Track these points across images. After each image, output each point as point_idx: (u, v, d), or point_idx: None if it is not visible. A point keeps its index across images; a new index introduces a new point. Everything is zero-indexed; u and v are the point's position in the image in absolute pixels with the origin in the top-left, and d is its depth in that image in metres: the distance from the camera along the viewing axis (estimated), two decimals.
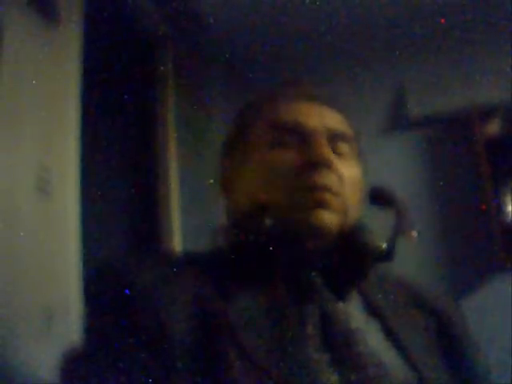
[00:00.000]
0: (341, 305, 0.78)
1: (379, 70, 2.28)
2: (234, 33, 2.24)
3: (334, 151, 0.82)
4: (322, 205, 0.78)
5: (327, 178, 0.79)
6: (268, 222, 0.77)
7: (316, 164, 0.79)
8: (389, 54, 2.25)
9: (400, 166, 2.21)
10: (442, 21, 2.07)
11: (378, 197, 0.84)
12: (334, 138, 0.83)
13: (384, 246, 0.80)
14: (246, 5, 2.14)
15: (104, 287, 0.76)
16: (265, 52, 2.23)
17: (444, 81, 2.20)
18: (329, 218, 0.78)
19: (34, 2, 1.21)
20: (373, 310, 0.81)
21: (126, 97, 1.72)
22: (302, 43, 2.20)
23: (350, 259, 0.79)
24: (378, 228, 0.82)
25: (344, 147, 0.84)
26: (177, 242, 1.95)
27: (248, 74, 2.19)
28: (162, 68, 2.05)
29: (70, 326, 1.13)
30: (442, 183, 2.17)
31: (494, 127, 2.15)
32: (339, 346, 0.73)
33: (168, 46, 2.09)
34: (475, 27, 2.10)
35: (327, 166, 0.79)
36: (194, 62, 2.21)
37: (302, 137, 0.82)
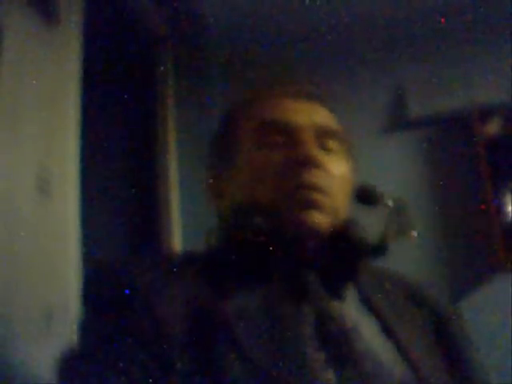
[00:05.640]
0: (336, 303, 0.78)
1: (379, 69, 2.28)
2: (234, 33, 2.23)
3: (323, 148, 0.82)
4: (311, 205, 0.78)
5: (316, 177, 0.78)
6: (258, 222, 0.76)
7: (304, 162, 0.78)
8: (389, 54, 2.25)
9: (400, 166, 2.21)
10: (442, 21, 2.07)
11: (364, 196, 0.83)
12: (322, 134, 0.83)
13: (376, 241, 0.80)
14: (246, 5, 2.14)
15: (103, 287, 0.76)
16: (265, 52, 2.23)
17: (444, 81, 2.20)
18: (319, 218, 0.77)
19: (34, 2, 1.21)
20: (370, 308, 0.81)
21: (125, 97, 1.72)
22: (302, 43, 2.20)
23: (342, 256, 0.79)
24: (370, 222, 0.81)
25: (333, 144, 0.83)
26: (177, 242, 1.95)
27: (248, 74, 2.19)
28: (161, 68, 2.05)
29: (69, 325, 1.12)
30: (442, 183, 2.17)
31: (494, 127, 2.15)
32: (336, 344, 0.73)
33: (168, 46, 2.09)
34: (475, 27, 2.10)
35: (315, 164, 0.78)
36: (194, 61, 2.21)
37: (289, 135, 0.81)
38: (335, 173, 0.81)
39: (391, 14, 2.16)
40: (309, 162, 0.78)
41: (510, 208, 2.10)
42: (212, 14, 2.18)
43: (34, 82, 1.18)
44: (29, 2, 1.20)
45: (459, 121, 2.19)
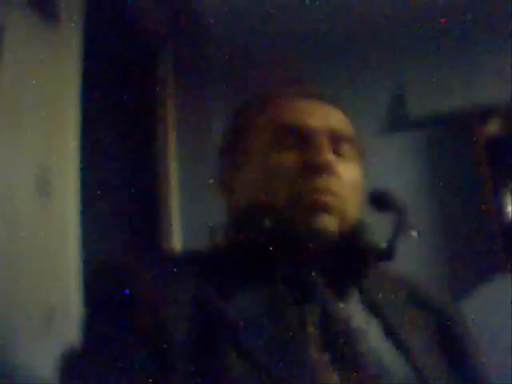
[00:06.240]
0: (341, 304, 0.78)
1: (379, 70, 2.28)
2: (233, 33, 2.23)
3: (336, 152, 0.82)
4: (323, 208, 0.78)
5: (329, 182, 0.79)
6: (267, 222, 0.77)
7: (317, 169, 0.79)
8: (389, 54, 2.25)
9: (400, 166, 2.21)
10: (442, 21, 2.07)
11: (379, 201, 0.84)
12: (336, 138, 0.83)
13: (384, 245, 0.80)
14: (246, 5, 2.14)
15: (104, 287, 0.76)
16: (265, 52, 2.22)
17: (444, 81, 2.20)
18: (330, 222, 0.78)
19: (34, 2, 1.21)
20: (373, 309, 0.81)
21: (126, 97, 1.72)
22: (302, 43, 2.20)
23: (350, 259, 0.80)
24: (379, 227, 0.82)
25: (346, 148, 0.84)
26: (177, 242, 1.95)
27: (248, 74, 2.18)
28: (161, 68, 2.05)
29: (69, 326, 1.12)
30: (441, 183, 2.17)
31: (493, 127, 2.15)
32: (339, 345, 0.73)
33: (168, 46, 2.08)
34: (475, 27, 2.10)
35: (329, 171, 0.79)
36: (194, 62, 2.21)
37: (303, 138, 0.81)
38: (347, 178, 0.81)
39: (391, 14, 2.15)
40: (322, 169, 0.79)
41: (510, 208, 2.10)
42: (212, 13, 2.18)
43: (34, 82, 1.18)
44: (29, 2, 1.19)
45: (459, 121, 2.19)
